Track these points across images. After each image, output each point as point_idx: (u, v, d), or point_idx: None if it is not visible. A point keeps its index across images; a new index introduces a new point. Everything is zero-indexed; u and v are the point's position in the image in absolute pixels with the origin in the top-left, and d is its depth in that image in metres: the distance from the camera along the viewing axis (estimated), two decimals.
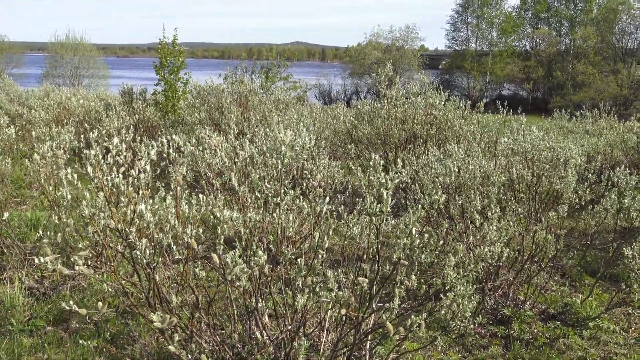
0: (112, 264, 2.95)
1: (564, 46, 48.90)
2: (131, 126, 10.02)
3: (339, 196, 5.65)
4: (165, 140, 3.16)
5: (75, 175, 2.78)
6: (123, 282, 3.27)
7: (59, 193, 2.83)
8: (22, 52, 51.26)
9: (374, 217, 2.54)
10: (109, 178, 2.93)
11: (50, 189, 5.99)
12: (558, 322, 4.62)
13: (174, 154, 3.12)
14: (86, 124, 8.35)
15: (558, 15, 48.84)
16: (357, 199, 5.66)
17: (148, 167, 2.78)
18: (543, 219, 4.13)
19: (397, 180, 2.61)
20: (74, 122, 10.21)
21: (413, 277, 2.70)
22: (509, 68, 48.26)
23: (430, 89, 7.97)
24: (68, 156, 6.14)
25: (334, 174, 5.42)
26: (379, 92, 8.29)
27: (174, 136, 3.12)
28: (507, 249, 3.71)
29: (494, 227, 3.53)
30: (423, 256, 2.68)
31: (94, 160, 2.71)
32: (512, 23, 50.45)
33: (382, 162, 2.89)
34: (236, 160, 3.80)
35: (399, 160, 3.21)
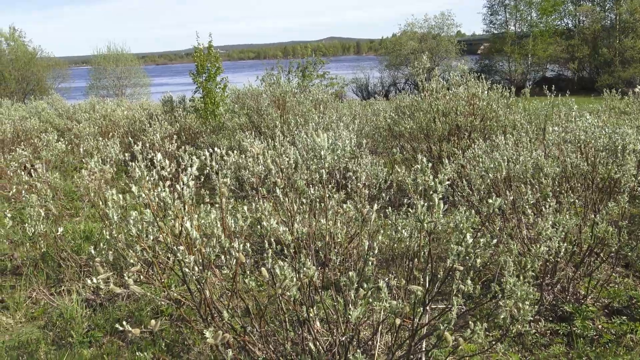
0: (163, 278, 2.96)
1: (609, 22, 46.73)
2: (174, 135, 10.20)
3: (383, 194, 5.55)
4: (207, 153, 3.15)
5: (120, 196, 2.80)
6: (174, 294, 3.29)
7: (108, 211, 2.87)
8: (67, 66, 53.21)
9: (425, 224, 2.44)
10: (154, 193, 2.95)
11: (100, 202, 6.16)
12: (624, 317, 4.38)
13: (217, 165, 3.11)
14: (131, 137, 8.53)
15: None
16: (402, 197, 5.52)
17: (191, 183, 2.77)
18: (602, 210, 3.91)
19: (447, 182, 2.50)
20: (119, 134, 10.47)
21: (469, 282, 2.59)
22: (552, 48, 46.52)
23: (471, 78, 7.73)
24: (115, 170, 6.30)
25: (378, 172, 5.31)
26: (418, 85, 8.11)
27: (215, 148, 3.11)
28: (565, 244, 3.52)
29: (550, 223, 3.36)
30: (479, 261, 2.56)
31: (139, 178, 2.72)
32: (552, 2, 48.58)
33: (425, 156, 2.78)
34: (281, 167, 3.77)
35: (443, 154, 3.08)
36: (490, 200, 2.43)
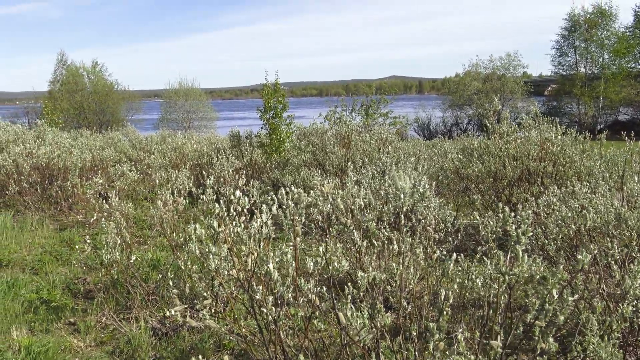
0: (234, 314, 3.00)
1: None
2: (241, 169, 10.48)
3: (450, 239, 5.42)
4: (284, 192, 3.20)
5: (203, 231, 2.89)
6: (243, 329, 3.32)
7: (188, 248, 2.95)
8: (140, 99, 56.28)
9: (505, 276, 2.36)
10: (231, 229, 3.02)
11: (169, 231, 6.38)
12: None
13: (292, 204, 3.15)
14: (203, 170, 8.82)
15: None
16: (467, 241, 5.34)
17: (270, 222, 2.82)
18: None
19: (530, 234, 2.42)
20: (189, 165, 10.87)
21: (551, 339, 2.45)
22: (625, 91, 44.71)
23: (544, 122, 7.53)
24: (186, 201, 6.51)
25: (447, 216, 5.21)
26: (486, 126, 7.97)
27: (293, 187, 3.16)
28: None
29: (639, 281, 3.14)
30: (562, 318, 2.43)
31: (219, 214, 2.80)
32: (625, 44, 46.94)
33: (493, 199, 2.69)
34: (352, 207, 3.78)
35: (513, 199, 2.98)
36: (579, 256, 2.31)
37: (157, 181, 7.34)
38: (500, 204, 2.62)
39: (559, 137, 7.29)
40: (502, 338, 2.49)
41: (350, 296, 2.59)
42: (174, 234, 6.07)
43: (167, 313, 2.60)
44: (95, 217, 6.33)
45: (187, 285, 2.98)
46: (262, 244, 2.91)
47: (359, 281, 2.68)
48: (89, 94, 44.45)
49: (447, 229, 5.45)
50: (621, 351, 3.96)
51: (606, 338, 2.56)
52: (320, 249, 2.97)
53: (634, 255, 3.53)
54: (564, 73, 50.52)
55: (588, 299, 3.66)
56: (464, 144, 8.81)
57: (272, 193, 6.40)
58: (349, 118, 17.41)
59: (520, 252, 2.33)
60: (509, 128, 7.38)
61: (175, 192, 6.75)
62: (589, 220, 3.62)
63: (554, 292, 2.31)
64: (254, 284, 2.69)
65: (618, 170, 6.83)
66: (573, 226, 3.84)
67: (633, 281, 3.06)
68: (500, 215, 2.60)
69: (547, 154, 7.11)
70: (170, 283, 3.26)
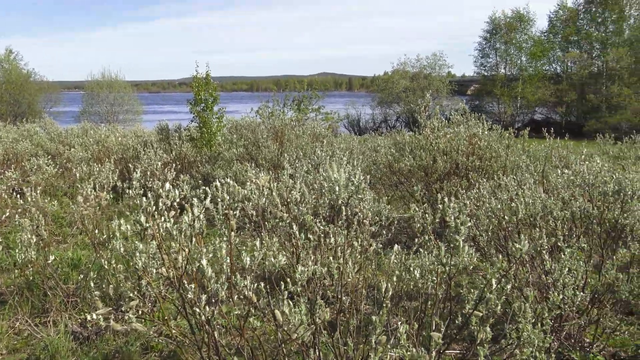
0: (164, 315, 2.80)
1: (596, 68, 47.98)
2: (169, 163, 10.07)
3: (384, 232, 5.43)
4: (219, 184, 3.04)
5: (128, 227, 2.67)
6: (173, 330, 3.12)
7: (111, 246, 2.73)
8: (59, 91, 53.14)
9: (446, 267, 2.34)
10: (160, 224, 2.82)
11: (91, 227, 5.98)
12: None
13: (228, 197, 2.99)
14: (128, 164, 8.38)
15: (589, 38, 48.08)
16: (399, 234, 5.38)
17: (202, 216, 2.65)
18: (613, 256, 3.83)
19: (469, 224, 2.41)
20: (114, 159, 10.32)
21: (488, 329, 2.47)
22: (541, 92, 47.51)
23: (472, 118, 7.76)
24: (110, 196, 6.14)
25: (382, 209, 5.22)
26: (417, 122, 8.10)
27: (228, 180, 3.00)
28: (581, 293, 3.43)
29: (566, 270, 3.26)
30: (499, 306, 2.45)
31: (147, 209, 2.59)
32: (541, 47, 49.87)
33: (421, 192, 2.68)
34: (288, 200, 3.66)
35: (443, 192, 3.00)
36: (517, 245, 2.33)
37: (78, 175, 6.88)
38: (440, 195, 2.61)
39: (486, 132, 7.54)
40: (441, 329, 2.48)
41: (287, 292, 2.48)
42: (97, 232, 5.70)
43: (89, 316, 2.38)
44: (7, 214, 5.82)
45: (111, 285, 2.75)
46: (194, 239, 2.73)
47: (297, 276, 2.57)
48: (1, 83, 41.41)
49: (382, 222, 5.47)
50: (552, 336, 4.11)
51: (539, 324, 2.61)
52: (257, 243, 2.83)
53: (559, 245, 3.67)
54: (486, 74, 52.96)
55: (518, 288, 3.77)
56: (396, 139, 8.93)
57: (204, 187, 6.14)
58: (281, 112, 17.26)
59: (461, 243, 2.32)
60: (439, 123, 7.54)
61: (98, 186, 6.35)
62: (520, 211, 3.72)
63: (493, 281, 2.32)
64: (185, 282, 2.51)
65: (539, 165, 7.17)
66: (506, 217, 3.95)
67: (563, 270, 3.16)
68: (439, 206, 2.58)
69: (475, 148, 7.33)
70: (92, 284, 3.00)
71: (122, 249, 2.64)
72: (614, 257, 3.89)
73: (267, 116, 11.71)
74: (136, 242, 2.66)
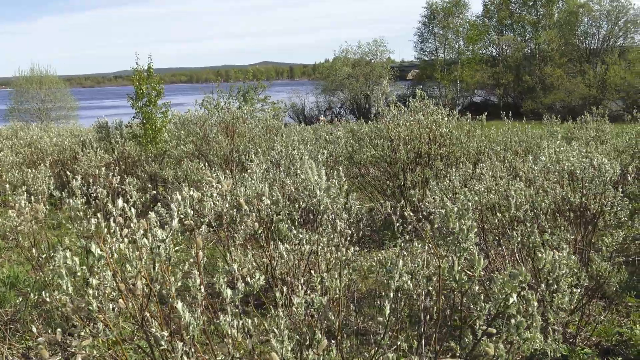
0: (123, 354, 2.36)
1: (529, 51, 49.69)
2: (111, 164, 9.35)
3: (353, 229, 5.12)
4: (178, 196, 2.60)
5: (76, 260, 2.19)
6: None
7: (53, 266, 2.26)
8: None
9: (456, 284, 2.03)
10: (113, 247, 2.37)
11: (28, 244, 5.34)
12: (619, 358, 4.14)
13: (192, 212, 2.57)
14: (65, 167, 7.65)
15: (522, 21, 49.68)
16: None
17: (168, 240, 2.22)
18: (601, 246, 3.69)
19: (475, 230, 2.11)
20: (49, 162, 9.48)
21: (501, 345, 2.20)
22: (479, 75, 48.74)
23: (430, 104, 7.56)
24: (47, 208, 5.50)
25: (351, 205, 4.89)
26: (363, 109, 7.83)
27: (191, 191, 2.56)
28: (576, 289, 3.25)
29: (565, 268, 3.05)
30: (513, 321, 2.18)
31: (98, 231, 2.13)
32: (477, 31, 51.09)
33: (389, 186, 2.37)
34: (259, 207, 3.26)
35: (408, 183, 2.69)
36: (541, 255, 2.06)
37: (8, 184, 6.17)
38: (410, 188, 2.29)
39: (446, 119, 7.35)
40: (455, 352, 2.18)
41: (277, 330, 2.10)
42: (34, 250, 5.08)
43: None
44: None
45: (59, 330, 2.27)
46: (156, 266, 2.30)
47: (278, 298, 2.21)
48: None
49: (351, 218, 5.15)
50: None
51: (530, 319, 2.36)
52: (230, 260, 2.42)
53: (547, 238, 3.48)
54: (426, 58, 53.78)
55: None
56: (353, 129, 8.63)
57: (154, 192, 5.53)
58: (227, 104, 16.62)
59: (477, 255, 2.02)
60: (398, 111, 7.29)
61: (33, 196, 5.68)
62: (513, 207, 3.50)
63: (514, 296, 2.04)
64: (151, 320, 2.08)
65: (500, 150, 7.05)
66: (499, 214, 3.72)
67: (559, 268, 2.94)
68: (414, 200, 2.27)
69: (436, 136, 7.13)
70: (35, 330, 2.51)
71: (69, 289, 2.16)
72: (603, 247, 3.73)
73: (214, 109, 11.13)
74: (86, 274, 2.19)
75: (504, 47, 51.83)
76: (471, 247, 2.18)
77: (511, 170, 5.59)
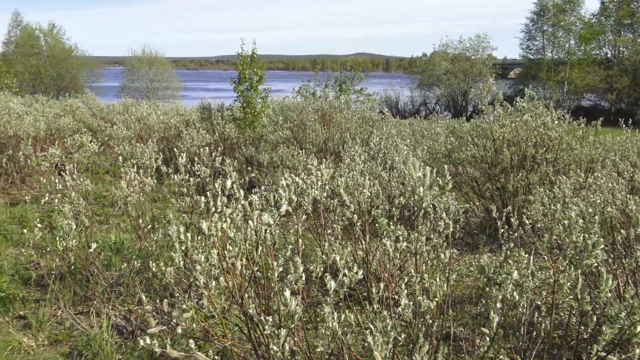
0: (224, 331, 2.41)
1: None
2: (212, 144, 9.74)
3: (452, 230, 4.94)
4: (284, 183, 2.60)
5: (189, 235, 2.27)
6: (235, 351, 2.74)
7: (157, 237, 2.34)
8: (101, 66, 53.88)
9: (575, 303, 1.86)
10: (219, 227, 2.42)
11: (135, 214, 5.68)
12: None
13: (295, 197, 2.56)
14: (169, 144, 8.05)
15: None
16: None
17: (274, 225, 2.22)
18: None
19: (602, 247, 1.91)
20: (155, 139, 10.05)
21: None
22: (589, 77, 45.40)
23: (540, 105, 7.10)
24: (154, 181, 5.82)
25: (450, 205, 4.72)
26: (459, 106, 7.49)
27: (297, 178, 2.56)
28: None
29: None
30: (638, 351, 1.96)
31: (207, 209, 2.18)
32: (591, 30, 47.49)
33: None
34: (359, 199, 3.21)
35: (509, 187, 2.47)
36: None
37: (120, 156, 6.59)
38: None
39: (556, 122, 6.88)
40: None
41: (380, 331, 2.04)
42: (140, 219, 5.40)
43: (142, 342, 2.01)
44: (47, 198, 5.56)
45: (166, 301, 2.36)
46: (259, 249, 2.31)
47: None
48: (45, 57, 42.09)
49: (450, 219, 4.98)
50: None
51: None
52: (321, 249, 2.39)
53: None
54: (532, 57, 50.93)
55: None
56: (454, 127, 8.34)
57: (253, 175, 5.66)
58: (323, 93, 16.74)
59: (605, 276, 1.84)
60: (505, 110, 6.92)
61: (141, 170, 6.04)
62: (637, 222, 3.18)
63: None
64: (264, 318, 2.09)
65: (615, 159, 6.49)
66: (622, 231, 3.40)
67: None
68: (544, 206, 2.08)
69: (545, 140, 6.70)
70: (138, 282, 2.63)
71: (181, 263, 2.24)
72: None
73: (311, 97, 11.23)
74: (197, 251, 2.26)
75: (621, 48, 47.89)
76: (595, 264, 1.99)
77: (628, 182, 5.12)
